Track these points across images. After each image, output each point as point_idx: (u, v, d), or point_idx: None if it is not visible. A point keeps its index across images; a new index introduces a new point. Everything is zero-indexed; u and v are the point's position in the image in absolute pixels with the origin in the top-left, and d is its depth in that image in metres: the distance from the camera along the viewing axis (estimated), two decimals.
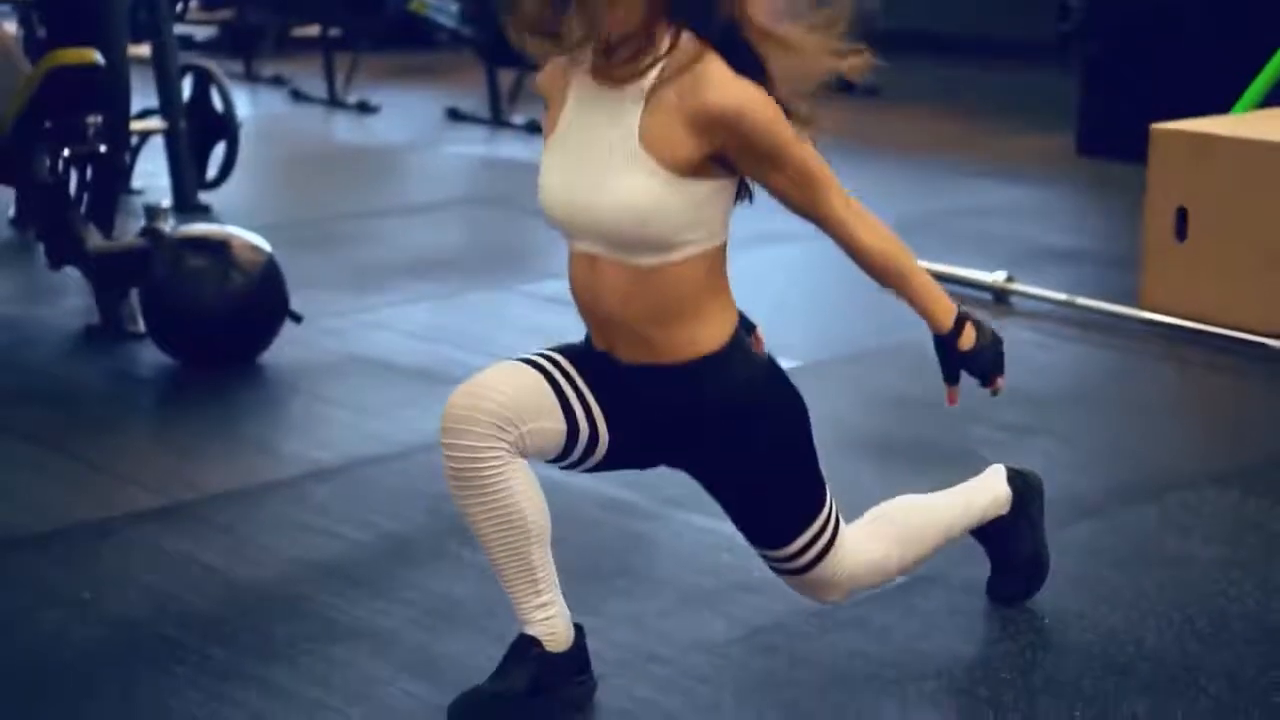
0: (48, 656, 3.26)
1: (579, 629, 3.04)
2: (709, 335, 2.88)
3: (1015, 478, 3.46)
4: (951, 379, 3.12)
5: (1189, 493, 4.09)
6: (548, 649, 2.97)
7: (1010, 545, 3.45)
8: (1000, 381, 3.12)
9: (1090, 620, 3.42)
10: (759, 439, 2.95)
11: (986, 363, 3.08)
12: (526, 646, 2.97)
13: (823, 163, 2.91)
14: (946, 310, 3.03)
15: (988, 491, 3.41)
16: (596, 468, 3.00)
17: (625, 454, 2.98)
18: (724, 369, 2.90)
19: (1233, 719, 3.03)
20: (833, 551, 3.07)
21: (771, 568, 3.12)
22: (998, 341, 3.09)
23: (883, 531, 3.21)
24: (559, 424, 2.89)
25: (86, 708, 3.05)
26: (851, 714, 3.06)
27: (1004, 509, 3.42)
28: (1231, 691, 3.13)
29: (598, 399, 2.92)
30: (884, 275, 2.99)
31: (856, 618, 3.42)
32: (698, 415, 2.92)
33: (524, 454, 2.88)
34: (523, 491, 2.87)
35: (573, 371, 2.92)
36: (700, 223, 2.81)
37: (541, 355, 2.95)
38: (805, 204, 2.89)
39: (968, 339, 3.05)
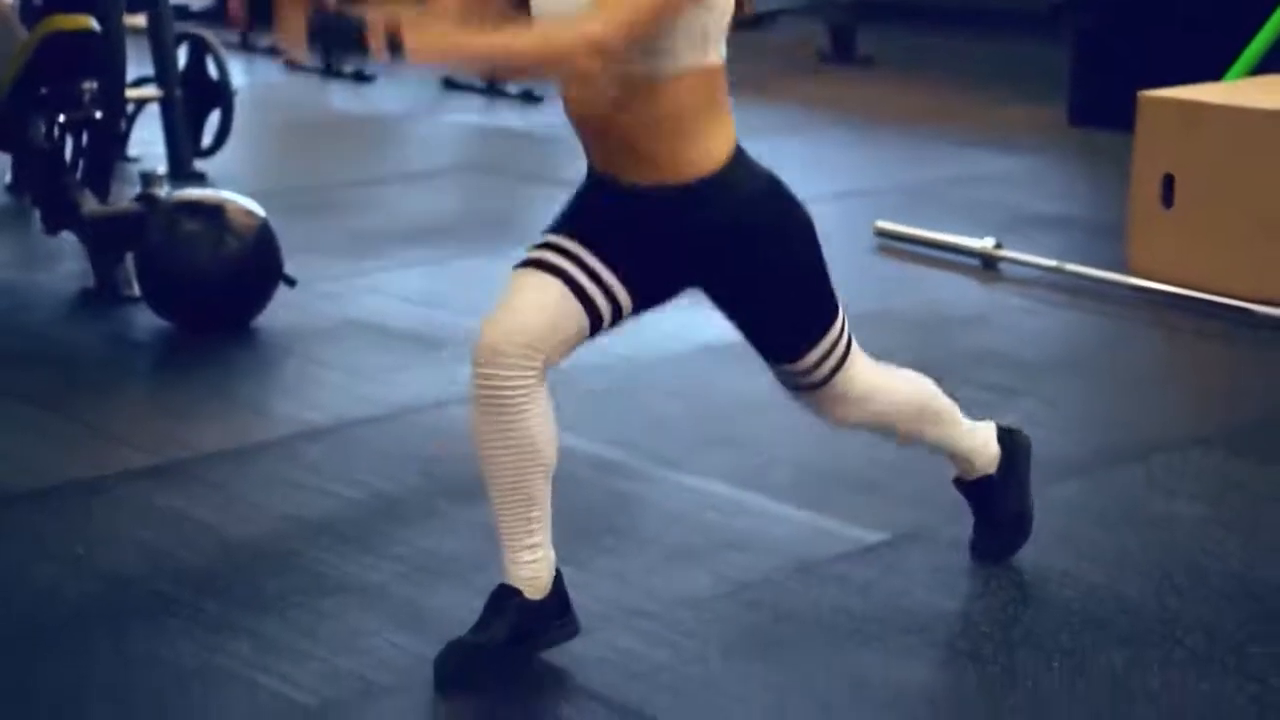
0: (43, 610, 3.30)
1: (557, 572, 3.08)
2: (710, 153, 2.93)
3: (1005, 436, 3.50)
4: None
5: (1173, 454, 4.14)
6: (528, 597, 3.02)
7: (995, 503, 3.50)
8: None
9: (1072, 576, 3.46)
10: (769, 252, 3.00)
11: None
12: (507, 596, 3.03)
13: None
14: None
15: (981, 436, 3.45)
16: (632, 316, 3.07)
17: (649, 296, 3.04)
18: (727, 187, 2.94)
19: (1208, 669, 3.08)
20: (848, 364, 3.16)
21: (790, 386, 3.19)
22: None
23: (898, 375, 3.34)
24: (582, 321, 2.97)
25: (81, 659, 3.10)
26: (834, 667, 3.10)
27: (991, 467, 3.46)
28: (1208, 644, 3.18)
29: (610, 263, 2.97)
30: None
31: (840, 574, 3.47)
32: (706, 235, 2.97)
33: (555, 363, 2.96)
34: (540, 421, 2.96)
35: (580, 252, 2.96)
36: (681, 28, 2.82)
37: (548, 248, 2.99)
38: None
39: None
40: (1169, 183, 5.49)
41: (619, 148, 2.94)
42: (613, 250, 2.98)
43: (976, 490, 3.50)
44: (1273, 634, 3.21)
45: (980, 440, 3.45)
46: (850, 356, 3.17)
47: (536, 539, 3.03)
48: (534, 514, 3.01)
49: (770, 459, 4.06)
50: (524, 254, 3.04)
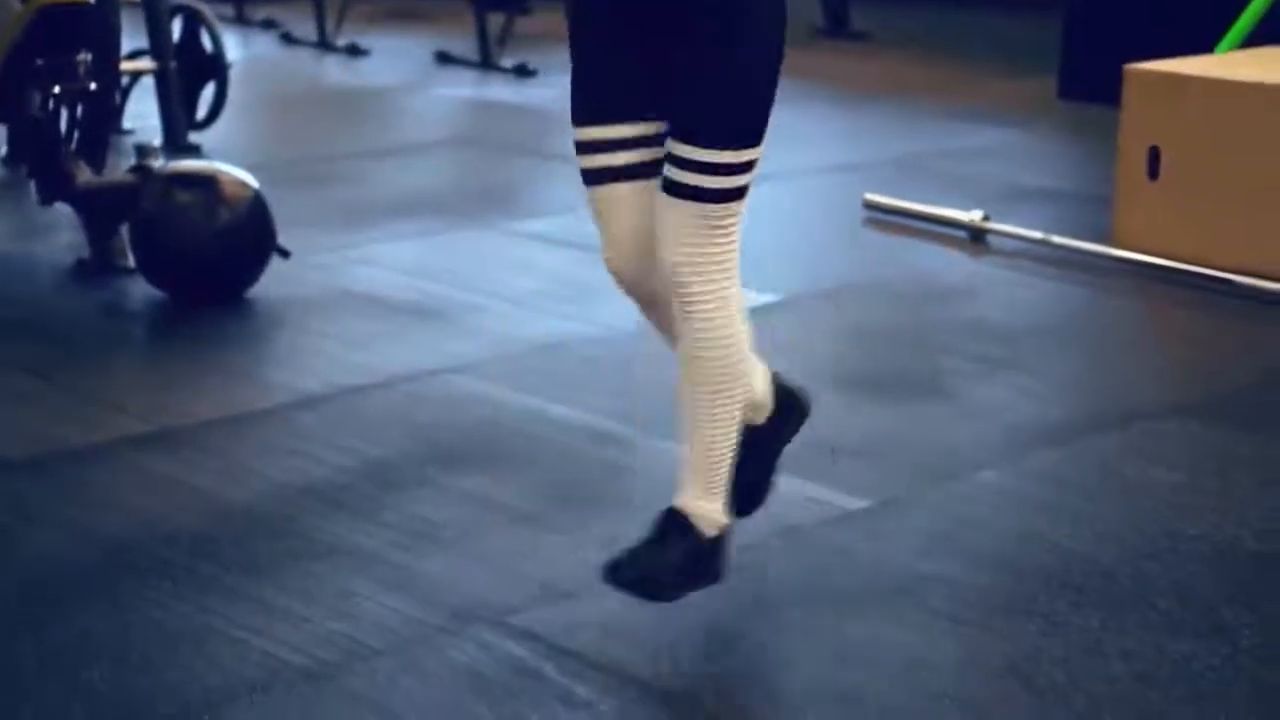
0: (38, 573, 3.36)
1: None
2: None
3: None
4: None
5: (1153, 422, 4.20)
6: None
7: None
8: None
9: (1050, 541, 3.53)
10: (737, 28, 2.95)
11: None
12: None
13: None
14: None
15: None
16: None
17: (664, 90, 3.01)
18: None
19: (1181, 630, 3.15)
20: (740, 205, 2.99)
21: (670, 183, 2.97)
22: None
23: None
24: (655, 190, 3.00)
25: (78, 620, 3.15)
26: (815, 628, 3.16)
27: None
28: (1182, 606, 3.24)
29: (632, 114, 3.01)
30: None
31: (823, 539, 3.53)
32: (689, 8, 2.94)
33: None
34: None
35: (614, 133, 3.01)
36: None
37: (593, 149, 3.03)
38: None
39: None
40: (1155, 155, 5.54)
41: None
42: (624, 100, 3.01)
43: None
44: (1244, 597, 3.28)
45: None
46: (731, 206, 2.97)
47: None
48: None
49: None
50: (581, 164, 3.07)
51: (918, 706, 2.90)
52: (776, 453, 3.43)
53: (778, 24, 3.03)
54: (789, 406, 3.41)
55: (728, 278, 3.01)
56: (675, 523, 3.09)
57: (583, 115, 3.06)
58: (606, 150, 3.03)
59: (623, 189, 3.04)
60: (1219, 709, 2.88)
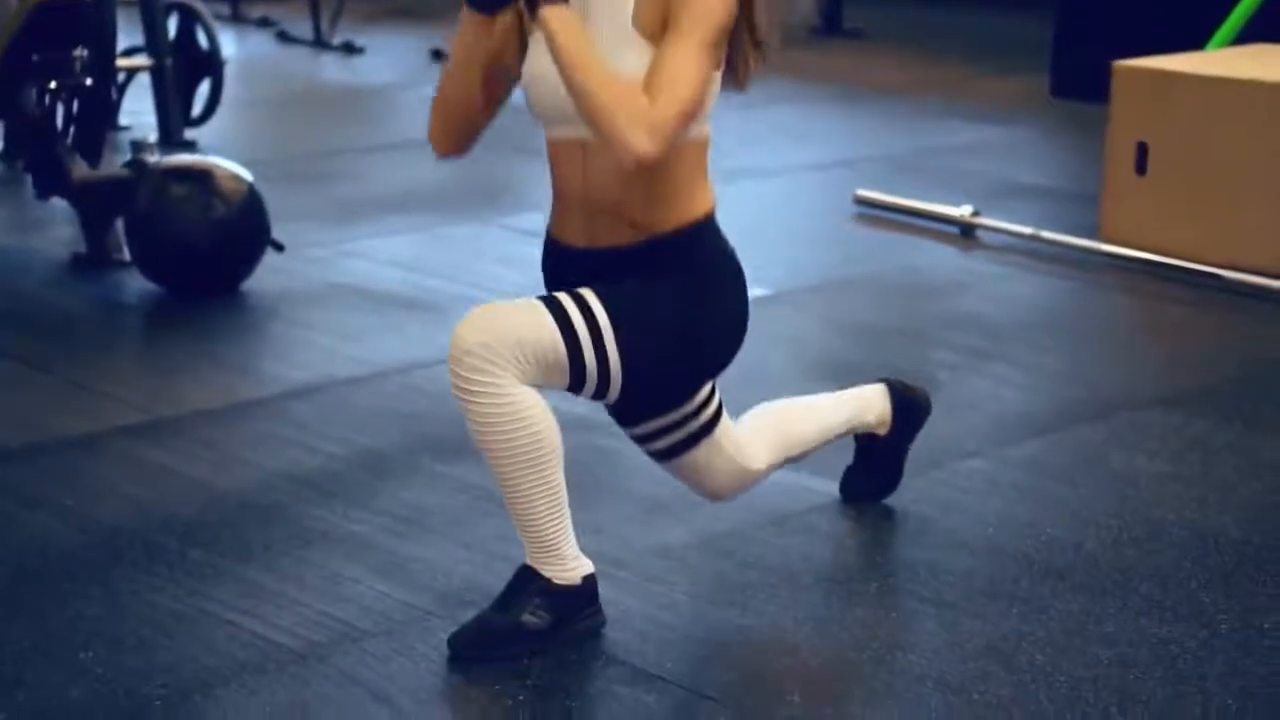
0: (33, 558, 3.40)
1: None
2: (694, 210, 3.01)
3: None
4: None
5: (1137, 413, 4.25)
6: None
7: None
8: None
9: (1033, 529, 3.57)
10: (691, 289, 2.99)
11: None
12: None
13: (697, 66, 2.84)
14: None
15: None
16: None
17: None
18: (701, 238, 3.02)
19: (1161, 616, 3.19)
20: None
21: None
22: None
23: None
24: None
25: (72, 604, 3.19)
26: (799, 611, 3.21)
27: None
28: (1162, 591, 3.29)
29: None
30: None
31: (810, 525, 3.57)
32: (663, 266, 2.99)
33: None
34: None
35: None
36: None
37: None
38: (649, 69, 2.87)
39: None
40: (1142, 151, 5.59)
41: (607, 219, 2.98)
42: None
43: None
44: (1224, 584, 3.32)
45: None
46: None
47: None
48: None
49: None
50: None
51: (899, 687, 2.94)
52: (904, 451, 3.65)
53: (731, 306, 3.08)
54: (907, 409, 3.62)
55: (510, 376, 2.91)
56: (523, 579, 3.06)
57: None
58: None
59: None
60: (1196, 690, 2.93)
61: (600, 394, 3.01)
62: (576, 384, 2.97)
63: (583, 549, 3.14)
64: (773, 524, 3.57)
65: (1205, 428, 4.15)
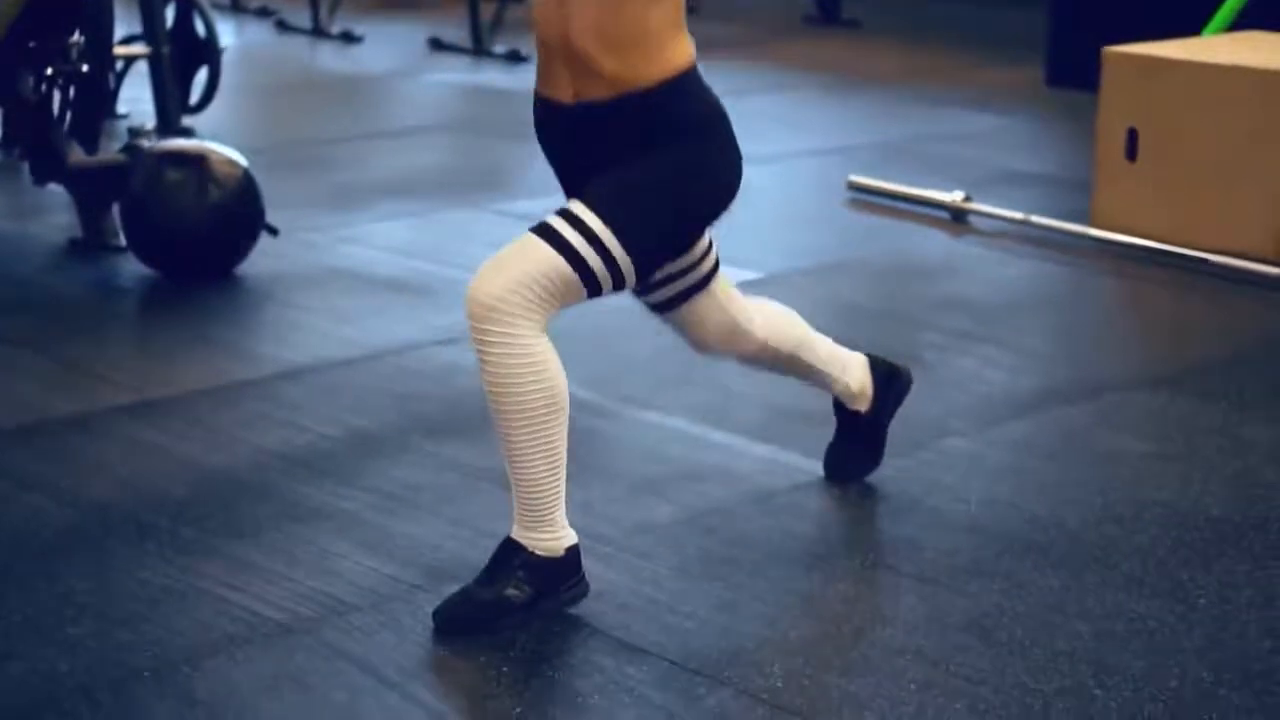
0: (26, 535, 3.44)
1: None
2: (670, 63, 3.04)
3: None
4: None
5: (1122, 394, 4.28)
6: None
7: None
8: None
9: (1017, 507, 3.60)
10: (672, 150, 3.04)
11: None
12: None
13: None
14: None
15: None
16: None
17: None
18: (679, 94, 3.05)
19: (1141, 592, 3.22)
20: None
21: (545, 231, 3.04)
22: None
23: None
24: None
25: (63, 580, 3.23)
26: (782, 587, 3.24)
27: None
28: (1142, 568, 3.32)
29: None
30: None
31: (795, 503, 3.61)
32: (634, 132, 3.05)
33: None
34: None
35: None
36: None
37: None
38: None
39: None
40: (1132, 137, 5.62)
41: (585, 69, 3.04)
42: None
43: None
44: (1202, 560, 3.36)
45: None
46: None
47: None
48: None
49: (734, 398, 4.19)
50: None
51: (880, 659, 2.97)
52: (884, 426, 3.69)
53: (723, 150, 3.12)
54: (888, 384, 3.67)
55: (529, 322, 2.98)
56: (507, 552, 3.10)
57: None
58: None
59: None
60: (1172, 663, 2.96)
61: (619, 288, 3.09)
62: (594, 291, 3.05)
63: (570, 525, 3.17)
64: (757, 501, 3.61)
65: (1190, 408, 4.18)
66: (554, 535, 3.08)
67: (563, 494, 3.09)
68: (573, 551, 3.10)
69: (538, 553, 3.07)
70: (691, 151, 3.07)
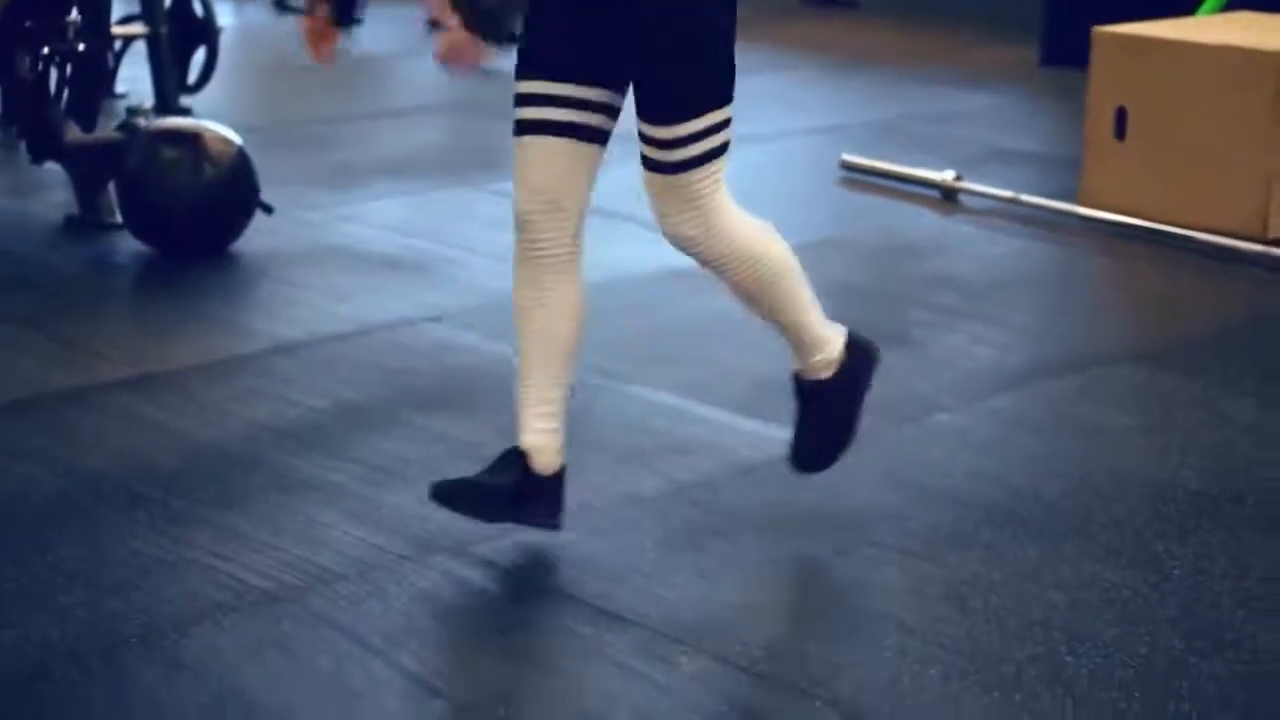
0: (19, 504, 3.49)
1: (561, 471, 3.27)
2: None
3: (855, 345, 3.47)
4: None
5: (1107, 369, 4.33)
6: (533, 465, 3.23)
7: (824, 409, 3.46)
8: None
9: (999, 479, 3.65)
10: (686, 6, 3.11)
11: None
12: (516, 456, 3.25)
13: None
14: None
15: (829, 334, 3.42)
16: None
17: (616, 79, 3.19)
18: None
19: (1116, 562, 3.27)
20: (710, 166, 3.19)
21: (649, 162, 3.18)
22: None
23: (761, 237, 3.32)
24: (589, 150, 3.19)
25: (55, 549, 3.28)
26: (764, 557, 3.29)
27: (829, 371, 3.42)
28: (1119, 539, 3.37)
29: (584, 79, 3.15)
30: None
31: (779, 475, 3.64)
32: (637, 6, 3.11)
33: (586, 204, 3.22)
34: (571, 290, 3.23)
35: (559, 90, 3.14)
36: None
37: (530, 101, 3.18)
38: None
39: None
40: (1121, 116, 5.66)
41: None
42: (575, 64, 3.16)
43: (808, 391, 3.45)
44: (1178, 532, 3.40)
45: (826, 337, 3.41)
46: (715, 163, 3.20)
47: (553, 408, 3.25)
48: (552, 394, 3.24)
49: (722, 373, 4.24)
50: (519, 115, 3.20)
51: (858, 626, 3.03)
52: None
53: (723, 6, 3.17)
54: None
55: (722, 216, 3.23)
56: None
57: (531, 69, 3.20)
58: (549, 105, 3.16)
59: (557, 143, 3.17)
60: (1144, 631, 3.01)
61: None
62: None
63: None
64: (742, 474, 3.65)
65: (1173, 383, 4.23)
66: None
67: None
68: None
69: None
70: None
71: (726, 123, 3.20)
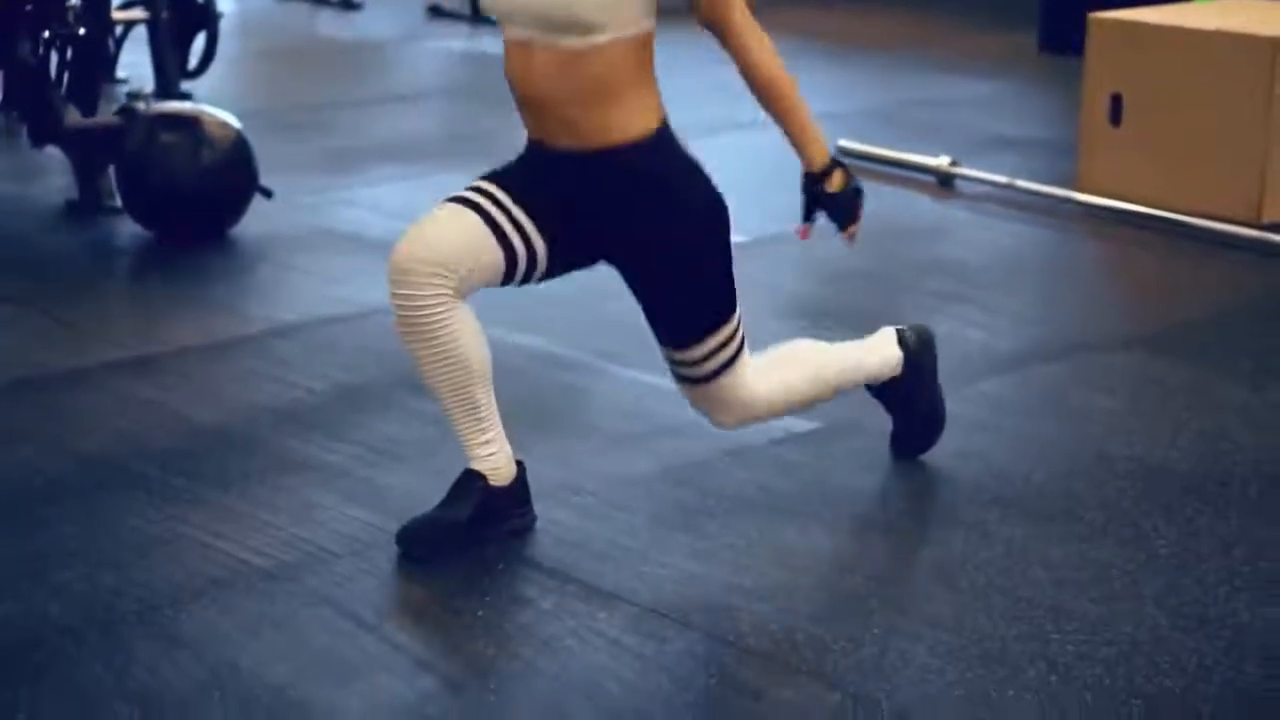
0: (18, 484, 3.53)
1: (520, 466, 3.31)
2: (634, 123, 3.11)
3: (907, 337, 3.62)
4: (809, 216, 3.34)
5: (1099, 353, 4.36)
6: (491, 483, 3.24)
7: (906, 404, 3.64)
8: (854, 229, 3.33)
9: (987, 461, 3.69)
10: (676, 231, 3.18)
11: (845, 207, 3.30)
12: (471, 480, 3.25)
13: None
14: (822, 151, 3.27)
15: (877, 353, 3.57)
16: (544, 278, 3.27)
17: (567, 259, 3.25)
18: (647, 157, 3.13)
19: (1102, 542, 3.31)
20: (736, 366, 3.29)
21: (677, 376, 3.33)
22: (859, 192, 3.31)
23: (784, 369, 3.43)
24: (497, 256, 3.15)
25: (54, 527, 3.32)
26: (755, 537, 3.33)
27: (896, 370, 3.59)
28: (1105, 520, 3.40)
29: (532, 216, 3.17)
30: (768, 94, 3.23)
31: (770, 457, 3.69)
32: (620, 203, 3.15)
33: (468, 291, 3.15)
34: (465, 334, 3.16)
35: (505, 199, 3.17)
36: (620, 4, 3.02)
37: (475, 190, 3.20)
38: (709, 7, 3.12)
39: (835, 183, 3.26)
40: (1117, 101, 5.69)
41: (549, 116, 3.13)
42: (537, 207, 3.17)
43: (885, 395, 3.63)
44: (1165, 513, 3.43)
45: (878, 360, 3.56)
46: (739, 361, 3.30)
47: (489, 435, 3.24)
48: (482, 415, 3.23)
49: None
50: (460, 193, 3.22)
51: (845, 605, 3.06)
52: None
53: (715, 215, 3.24)
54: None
55: (756, 391, 3.35)
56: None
57: (500, 182, 3.21)
58: (496, 207, 3.17)
59: (478, 228, 3.15)
60: (1131, 607, 3.04)
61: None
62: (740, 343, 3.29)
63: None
64: (733, 455, 3.69)
65: (1163, 368, 4.26)
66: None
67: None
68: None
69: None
70: (694, 217, 3.19)
71: (737, 327, 3.29)
